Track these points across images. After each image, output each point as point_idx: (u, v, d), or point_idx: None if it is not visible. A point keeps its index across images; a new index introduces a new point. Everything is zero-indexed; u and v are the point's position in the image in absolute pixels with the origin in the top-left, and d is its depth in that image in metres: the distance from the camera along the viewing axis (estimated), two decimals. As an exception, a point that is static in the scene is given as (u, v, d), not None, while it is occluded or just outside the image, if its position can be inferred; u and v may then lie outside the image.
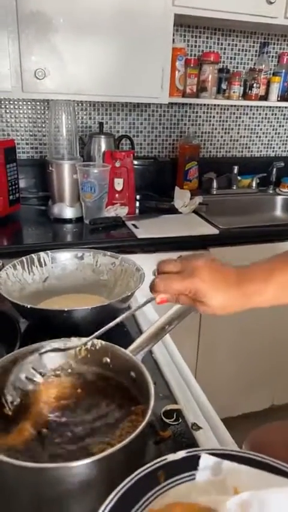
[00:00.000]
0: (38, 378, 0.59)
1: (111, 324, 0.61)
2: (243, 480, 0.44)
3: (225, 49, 1.91)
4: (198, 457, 0.46)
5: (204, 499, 0.42)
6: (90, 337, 0.60)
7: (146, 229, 1.46)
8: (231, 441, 0.60)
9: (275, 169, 2.04)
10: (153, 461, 0.45)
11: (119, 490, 0.42)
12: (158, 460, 0.45)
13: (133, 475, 0.44)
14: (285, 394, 1.82)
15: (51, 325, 0.76)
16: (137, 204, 1.70)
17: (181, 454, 0.46)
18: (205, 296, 0.55)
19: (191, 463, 0.45)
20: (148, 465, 0.45)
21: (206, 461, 0.46)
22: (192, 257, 0.58)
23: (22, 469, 0.43)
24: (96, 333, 0.60)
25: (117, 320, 0.61)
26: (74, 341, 0.61)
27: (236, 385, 1.73)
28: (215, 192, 1.95)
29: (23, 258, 0.91)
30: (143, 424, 0.46)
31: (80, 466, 0.43)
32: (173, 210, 1.68)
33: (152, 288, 0.57)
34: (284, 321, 1.70)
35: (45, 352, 0.60)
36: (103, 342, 0.60)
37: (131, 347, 0.61)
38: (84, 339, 0.61)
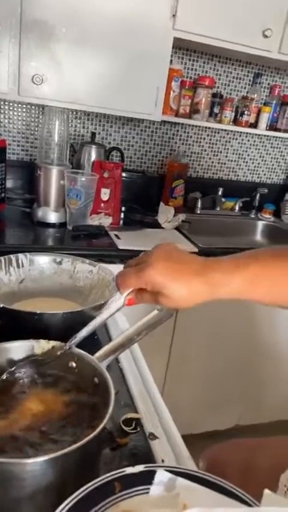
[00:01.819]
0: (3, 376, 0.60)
1: (84, 333, 0.61)
2: (194, 498, 0.45)
3: (220, 75, 1.98)
4: (154, 472, 0.47)
5: (153, 511, 0.44)
6: (66, 345, 0.61)
7: (128, 240, 1.48)
8: (187, 454, 0.61)
9: (258, 195, 2.10)
10: (112, 472, 0.47)
11: (75, 496, 0.44)
12: (117, 471, 0.47)
13: (90, 483, 0.45)
14: (250, 415, 1.85)
15: (22, 327, 0.77)
16: (122, 215, 1.73)
17: (139, 468, 0.48)
18: (164, 287, 0.53)
19: (147, 478, 0.47)
20: (106, 475, 0.46)
21: (161, 476, 0.47)
22: (153, 248, 0.57)
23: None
24: (73, 341, 0.61)
25: (90, 327, 0.62)
26: (43, 343, 0.62)
27: (202, 402, 1.75)
28: (199, 212, 2.00)
29: (1, 258, 0.91)
30: (100, 427, 0.48)
31: (34, 464, 0.44)
32: (156, 225, 1.71)
33: (117, 288, 0.58)
34: (254, 343, 1.73)
35: (13, 351, 0.61)
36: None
37: (97, 354, 0.62)
38: (52, 342, 0.62)
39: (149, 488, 0.46)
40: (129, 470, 0.47)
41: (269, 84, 2.06)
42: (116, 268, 0.98)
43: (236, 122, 1.98)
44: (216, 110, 1.93)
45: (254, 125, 2.00)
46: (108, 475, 0.47)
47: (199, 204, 2.00)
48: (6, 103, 1.71)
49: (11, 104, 1.72)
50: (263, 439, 0.93)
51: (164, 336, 1.57)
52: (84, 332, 0.61)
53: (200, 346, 1.64)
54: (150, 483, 0.47)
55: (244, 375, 1.78)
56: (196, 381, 1.71)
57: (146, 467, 0.48)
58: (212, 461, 0.88)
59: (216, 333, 1.64)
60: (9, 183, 1.69)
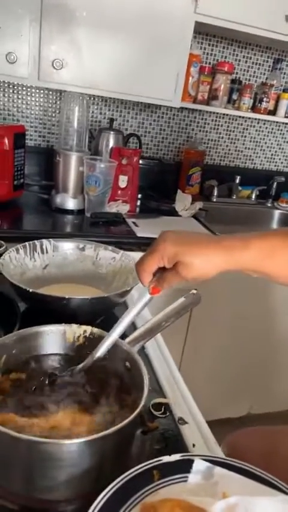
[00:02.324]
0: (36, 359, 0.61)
1: (119, 330, 0.59)
2: (232, 486, 0.46)
3: (239, 61, 1.94)
4: (191, 461, 0.48)
5: (194, 499, 0.44)
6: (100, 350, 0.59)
7: (146, 228, 1.48)
8: (213, 440, 0.62)
9: (275, 184, 2.08)
10: (149, 461, 0.48)
11: (116, 483, 0.45)
12: (154, 460, 0.48)
13: (130, 471, 0.46)
14: (262, 404, 1.86)
15: (49, 311, 0.78)
16: (139, 203, 1.72)
17: (176, 456, 0.49)
18: (181, 255, 0.53)
19: (184, 466, 0.48)
20: (144, 463, 0.47)
21: (199, 465, 0.48)
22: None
23: (15, 440, 0.44)
24: (102, 349, 0.59)
25: (123, 325, 0.59)
26: (74, 328, 0.63)
27: (215, 390, 1.76)
28: (215, 200, 1.98)
29: (26, 244, 0.92)
30: (137, 411, 0.49)
31: (72, 445, 0.45)
32: (173, 213, 1.70)
33: (138, 278, 0.57)
34: (267, 332, 1.73)
35: (46, 335, 0.62)
36: (102, 332, 0.62)
37: (128, 339, 0.63)
38: (83, 327, 0.63)
39: (186, 477, 0.47)
40: (166, 458, 0.48)
41: (289, 70, 2.02)
42: (136, 255, 0.98)
43: (254, 108, 1.95)
44: (234, 97, 1.90)
45: (273, 112, 1.96)
46: (146, 463, 0.47)
47: (215, 192, 1.99)
48: (24, 88, 1.70)
49: (28, 89, 1.71)
50: (283, 426, 0.94)
51: (179, 324, 1.57)
52: (118, 329, 0.59)
53: (215, 334, 1.65)
54: (188, 471, 0.48)
55: (258, 364, 1.78)
56: (209, 368, 1.72)
57: (182, 456, 0.49)
58: (233, 447, 0.89)
59: (231, 321, 1.64)
60: (26, 169, 1.68)
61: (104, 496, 0.43)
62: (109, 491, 0.44)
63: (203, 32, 1.82)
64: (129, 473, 0.46)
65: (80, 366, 0.59)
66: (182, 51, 1.52)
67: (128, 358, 0.59)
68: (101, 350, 0.59)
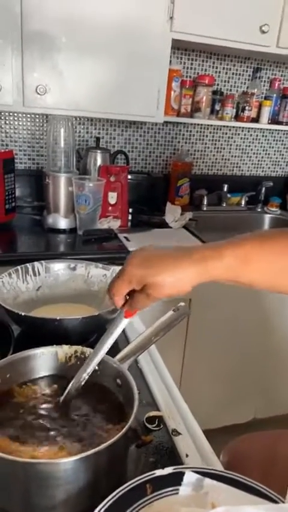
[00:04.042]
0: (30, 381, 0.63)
1: (97, 358, 0.60)
2: (222, 497, 0.48)
3: (219, 72, 1.99)
4: (183, 474, 0.50)
5: (185, 510, 0.46)
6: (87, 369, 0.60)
7: (137, 242, 1.51)
8: (210, 449, 0.64)
9: (263, 189, 2.11)
10: (143, 475, 0.49)
11: (111, 498, 0.47)
12: (147, 474, 0.50)
13: (124, 486, 0.48)
14: (267, 408, 1.87)
15: (43, 333, 0.80)
16: (130, 217, 1.75)
17: (168, 470, 0.51)
18: (144, 277, 0.52)
19: (176, 479, 0.50)
20: (138, 478, 0.49)
21: (190, 478, 0.50)
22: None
23: (12, 463, 0.46)
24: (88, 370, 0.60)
25: (100, 351, 0.60)
26: (65, 348, 0.65)
27: (218, 397, 1.77)
28: (205, 209, 2.01)
29: (18, 267, 0.95)
30: (127, 426, 0.51)
31: (66, 463, 0.47)
32: (164, 225, 1.73)
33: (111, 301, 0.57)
34: (268, 335, 1.75)
35: (38, 357, 0.64)
36: (92, 350, 0.64)
37: (118, 356, 0.65)
38: (74, 347, 0.65)
39: (178, 489, 0.49)
40: (159, 472, 0.50)
41: (268, 77, 2.07)
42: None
43: (237, 117, 1.99)
44: (217, 107, 1.95)
45: (256, 120, 2.01)
46: (140, 477, 0.49)
47: (205, 201, 2.02)
48: (11, 114, 1.75)
49: (15, 114, 1.75)
50: (283, 430, 0.95)
51: (178, 333, 1.59)
52: (98, 357, 0.60)
53: (214, 341, 1.66)
54: (179, 484, 0.49)
55: (259, 368, 1.79)
56: (212, 375, 1.73)
57: (174, 469, 0.51)
58: (233, 454, 0.90)
59: (230, 327, 1.66)
60: (18, 192, 1.72)
61: (100, 510, 0.45)
62: (104, 506, 0.46)
63: (182, 47, 1.87)
64: (123, 488, 0.48)
65: (62, 397, 0.60)
66: (162, 67, 1.57)
67: (118, 375, 0.61)
68: (76, 382, 0.59)
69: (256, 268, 0.54)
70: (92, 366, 0.60)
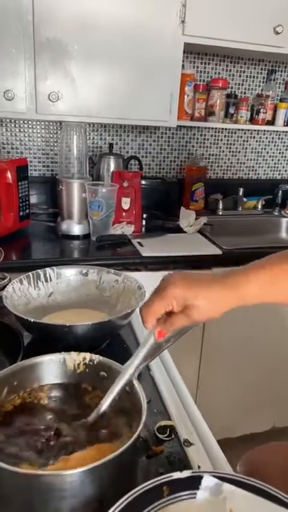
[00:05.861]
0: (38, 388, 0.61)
1: (122, 382, 0.57)
2: (240, 503, 0.46)
3: (233, 75, 1.97)
4: (201, 478, 0.48)
5: None
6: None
7: (151, 247, 1.49)
8: (224, 459, 0.61)
9: (280, 192, 2.07)
10: (160, 477, 0.48)
11: (125, 499, 0.45)
12: (164, 476, 0.48)
13: (141, 486, 0.46)
14: (286, 417, 1.81)
15: (53, 339, 0.79)
16: (143, 222, 1.74)
17: (186, 473, 0.49)
18: (189, 298, 0.54)
19: (194, 483, 0.48)
20: (155, 479, 0.47)
21: (208, 482, 0.48)
22: (165, 276, 0.58)
23: (15, 475, 0.45)
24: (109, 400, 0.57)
25: (127, 375, 0.58)
26: (73, 355, 0.63)
27: (237, 406, 1.73)
28: (220, 213, 1.98)
29: (30, 274, 0.94)
30: (135, 436, 0.49)
31: (72, 475, 0.46)
32: (178, 230, 1.71)
33: (143, 322, 0.56)
34: (286, 345, 1.70)
35: (46, 364, 0.63)
36: (101, 357, 0.63)
37: (128, 363, 0.63)
38: (82, 354, 0.63)
39: (195, 493, 0.47)
40: (177, 475, 0.48)
41: (283, 79, 2.04)
42: (141, 275, 0.99)
43: (252, 120, 1.97)
44: (231, 111, 1.93)
45: (271, 122, 1.98)
46: (157, 478, 0.48)
47: (220, 206, 1.99)
48: (25, 122, 1.77)
49: (29, 122, 1.77)
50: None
51: (194, 341, 1.56)
52: (121, 382, 0.57)
53: (232, 348, 1.63)
54: (197, 488, 0.48)
55: (278, 377, 1.74)
56: (229, 384, 1.69)
57: (193, 472, 0.49)
58: (251, 464, 0.87)
59: (247, 336, 1.62)
60: (32, 199, 1.73)
61: (115, 510, 0.43)
62: (119, 505, 0.44)
63: (194, 51, 1.86)
64: (139, 489, 0.46)
65: (89, 419, 0.57)
66: (174, 72, 1.56)
67: (127, 383, 0.59)
68: (106, 404, 0.57)
69: (281, 289, 0.57)
70: (118, 388, 0.57)
